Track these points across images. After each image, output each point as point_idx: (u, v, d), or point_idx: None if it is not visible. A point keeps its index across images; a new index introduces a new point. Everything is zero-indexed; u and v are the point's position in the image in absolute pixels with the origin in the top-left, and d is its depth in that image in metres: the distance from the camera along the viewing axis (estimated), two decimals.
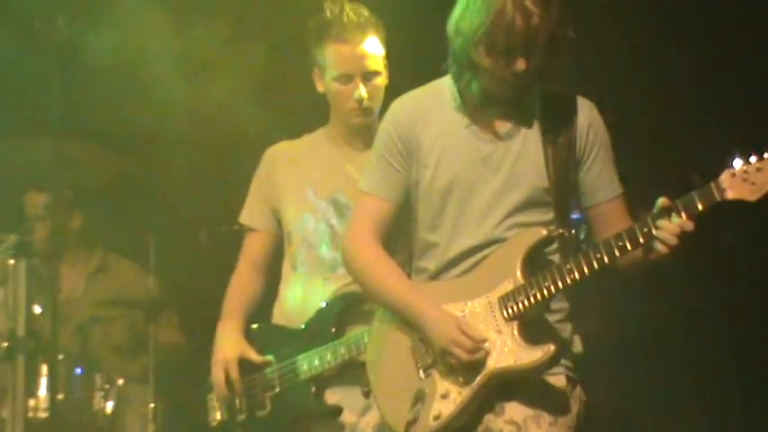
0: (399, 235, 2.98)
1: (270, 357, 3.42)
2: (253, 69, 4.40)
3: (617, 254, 2.67)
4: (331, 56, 3.37)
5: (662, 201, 2.69)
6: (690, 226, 2.67)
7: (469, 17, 2.71)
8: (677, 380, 4.44)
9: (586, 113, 2.84)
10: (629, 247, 2.66)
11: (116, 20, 4.69)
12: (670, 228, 2.64)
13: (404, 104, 2.92)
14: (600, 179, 2.82)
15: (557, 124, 2.82)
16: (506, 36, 2.65)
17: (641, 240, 2.68)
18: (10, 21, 4.40)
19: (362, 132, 3.36)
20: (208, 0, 4.66)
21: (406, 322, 2.83)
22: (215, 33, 4.57)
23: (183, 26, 4.62)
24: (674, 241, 2.65)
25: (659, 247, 2.67)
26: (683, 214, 2.66)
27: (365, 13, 3.43)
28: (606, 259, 2.68)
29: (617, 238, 2.68)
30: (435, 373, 2.79)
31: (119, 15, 4.68)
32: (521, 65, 2.67)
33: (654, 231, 2.68)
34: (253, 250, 3.57)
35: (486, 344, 2.75)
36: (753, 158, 2.58)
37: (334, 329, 3.32)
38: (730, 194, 2.57)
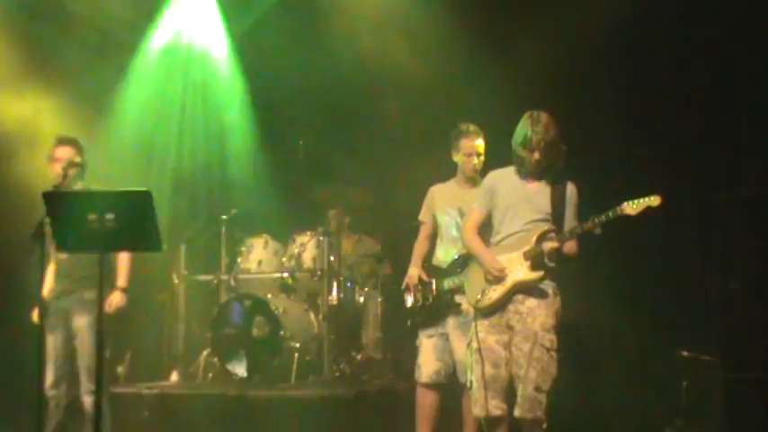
0: (487, 229, 4.59)
1: (432, 279, 5.20)
2: (427, 150, 6.15)
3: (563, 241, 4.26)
4: (462, 144, 5.24)
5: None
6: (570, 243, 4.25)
7: (517, 133, 4.42)
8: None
9: (570, 187, 4.44)
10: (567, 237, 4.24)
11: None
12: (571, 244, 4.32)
13: (494, 175, 4.60)
14: (571, 216, 4.40)
15: (557, 188, 4.40)
16: (529, 142, 4.35)
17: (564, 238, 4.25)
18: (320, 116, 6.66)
19: (472, 181, 5.24)
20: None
21: (481, 263, 4.47)
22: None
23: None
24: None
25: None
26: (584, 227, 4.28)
27: (478, 128, 5.25)
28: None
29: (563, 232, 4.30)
30: (492, 282, 4.42)
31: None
32: (537, 155, 4.35)
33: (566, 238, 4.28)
34: (425, 231, 5.40)
35: (508, 269, 4.28)
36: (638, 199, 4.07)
37: (459, 269, 4.99)
38: (625, 212, 4.14)
